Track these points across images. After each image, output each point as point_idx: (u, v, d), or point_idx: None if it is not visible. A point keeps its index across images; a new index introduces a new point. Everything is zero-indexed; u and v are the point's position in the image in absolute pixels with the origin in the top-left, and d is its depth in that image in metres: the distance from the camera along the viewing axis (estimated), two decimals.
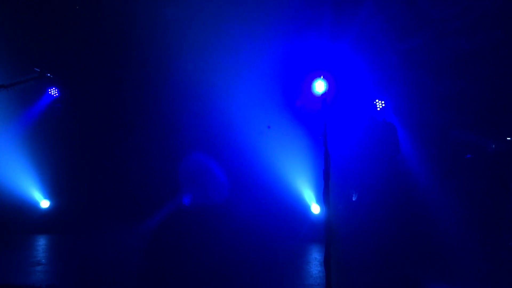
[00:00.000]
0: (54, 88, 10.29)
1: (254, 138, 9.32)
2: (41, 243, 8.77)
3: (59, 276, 6.20)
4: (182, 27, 8.65)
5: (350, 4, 8.11)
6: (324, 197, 4.08)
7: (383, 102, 8.82)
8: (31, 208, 10.00)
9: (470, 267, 6.49)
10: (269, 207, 9.33)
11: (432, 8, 7.79)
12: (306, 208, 9.36)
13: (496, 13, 7.55)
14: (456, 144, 8.46)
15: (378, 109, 8.85)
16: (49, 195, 10.22)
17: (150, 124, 10.01)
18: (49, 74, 6.93)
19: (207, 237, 9.02)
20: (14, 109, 9.81)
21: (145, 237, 9.09)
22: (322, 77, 4.90)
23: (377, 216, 8.20)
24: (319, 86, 4.97)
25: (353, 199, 8.43)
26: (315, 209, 9.29)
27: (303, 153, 9.12)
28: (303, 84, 8.96)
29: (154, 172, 9.84)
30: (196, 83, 9.19)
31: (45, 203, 10.17)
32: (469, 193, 8.04)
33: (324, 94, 4.73)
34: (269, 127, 9.24)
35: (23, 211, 9.83)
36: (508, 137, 7.91)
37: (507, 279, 6.06)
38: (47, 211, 10.14)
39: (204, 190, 9.89)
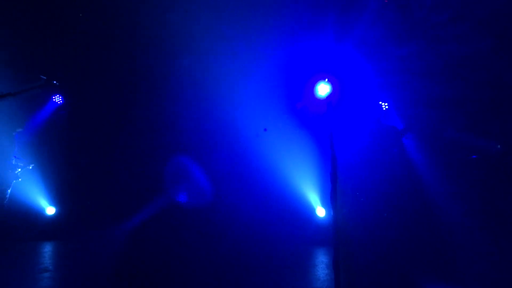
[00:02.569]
0: (58, 96, 10.33)
1: (258, 141, 9.32)
2: (48, 249, 8.78)
3: (67, 282, 6.21)
4: (185, 32, 8.69)
5: (353, 8, 8.13)
6: (332, 200, 4.08)
7: (386, 104, 8.83)
8: (37, 215, 10.03)
9: (477, 270, 6.45)
10: (275, 210, 9.32)
11: (430, 14, 7.85)
12: (311, 211, 9.34)
13: (490, 21, 7.61)
14: (461, 145, 8.44)
15: (384, 110, 8.84)
16: (54, 202, 10.25)
17: (155, 129, 10.04)
18: (55, 82, 6.97)
19: (213, 241, 9.01)
20: (20, 117, 9.86)
21: (151, 241, 9.08)
22: (326, 80, 4.92)
23: (383, 219, 8.17)
24: (323, 89, 4.98)
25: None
26: (320, 212, 9.27)
27: (307, 156, 9.10)
28: (307, 87, 8.98)
29: (161, 176, 9.86)
30: (201, 86, 9.23)
31: (50, 210, 10.19)
32: (475, 195, 8.00)
33: (329, 97, 4.74)
34: (265, 129, 9.25)
35: (29, 218, 9.86)
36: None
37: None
38: (53, 218, 10.16)
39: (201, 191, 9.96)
